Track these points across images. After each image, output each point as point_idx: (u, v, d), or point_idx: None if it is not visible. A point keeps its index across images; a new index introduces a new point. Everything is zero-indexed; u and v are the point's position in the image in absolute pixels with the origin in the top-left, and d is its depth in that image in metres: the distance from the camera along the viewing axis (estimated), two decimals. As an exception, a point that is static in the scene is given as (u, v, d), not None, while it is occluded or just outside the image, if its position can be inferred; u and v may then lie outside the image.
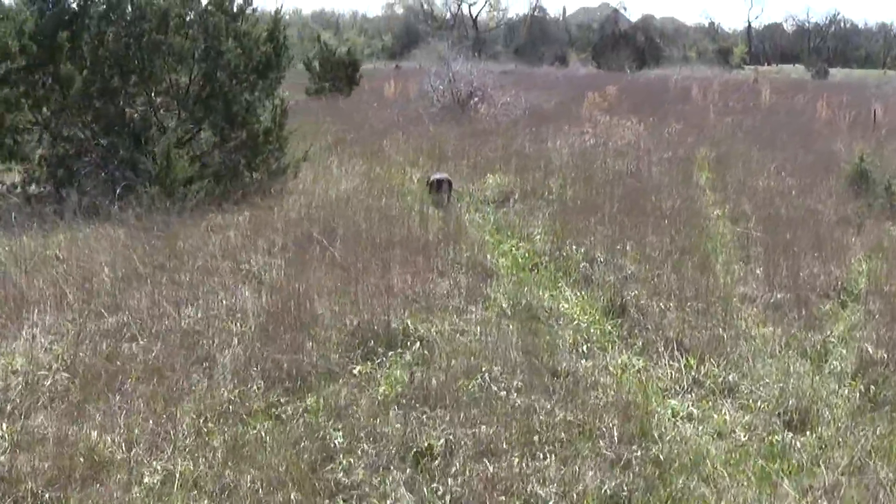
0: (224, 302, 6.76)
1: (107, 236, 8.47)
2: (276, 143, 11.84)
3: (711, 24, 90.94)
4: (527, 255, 8.64)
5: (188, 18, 10.33)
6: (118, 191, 9.51)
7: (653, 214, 10.12)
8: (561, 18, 78.28)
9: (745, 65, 65.02)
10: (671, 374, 5.78)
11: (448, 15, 77.10)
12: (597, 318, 6.82)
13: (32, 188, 10.53)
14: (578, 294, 7.38)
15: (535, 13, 74.54)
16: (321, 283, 7.17)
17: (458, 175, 12.58)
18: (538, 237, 9.21)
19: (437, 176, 11.30)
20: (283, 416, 5.03)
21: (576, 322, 6.66)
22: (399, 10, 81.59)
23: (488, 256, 8.39)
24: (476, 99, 20.30)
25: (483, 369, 5.55)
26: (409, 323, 6.32)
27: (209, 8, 10.43)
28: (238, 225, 9.20)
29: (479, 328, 6.37)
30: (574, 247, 8.56)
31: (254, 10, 11.49)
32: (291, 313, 6.40)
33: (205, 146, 11.15)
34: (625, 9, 75.51)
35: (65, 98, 10.04)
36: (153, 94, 10.75)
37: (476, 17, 76.33)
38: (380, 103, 23.53)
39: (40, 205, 10.03)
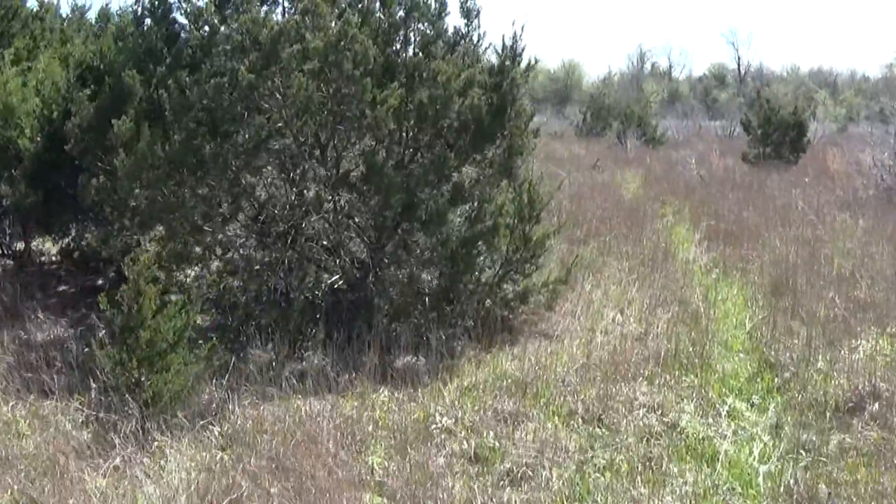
0: None
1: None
2: (523, 251, 6.67)
3: None
4: None
5: (317, 45, 5.48)
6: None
7: None
8: None
9: None
10: None
11: (958, 75, 63.87)
12: None
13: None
14: None
15: None
16: None
17: (814, 331, 6.37)
18: None
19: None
20: None
21: None
22: (898, 71, 69.39)
23: None
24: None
25: None
26: None
27: (354, 31, 5.49)
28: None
29: None
30: None
31: (472, 43, 6.42)
32: None
33: (350, 267, 6.28)
34: None
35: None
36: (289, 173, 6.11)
37: None
38: (816, 178, 16.80)
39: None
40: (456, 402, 4.94)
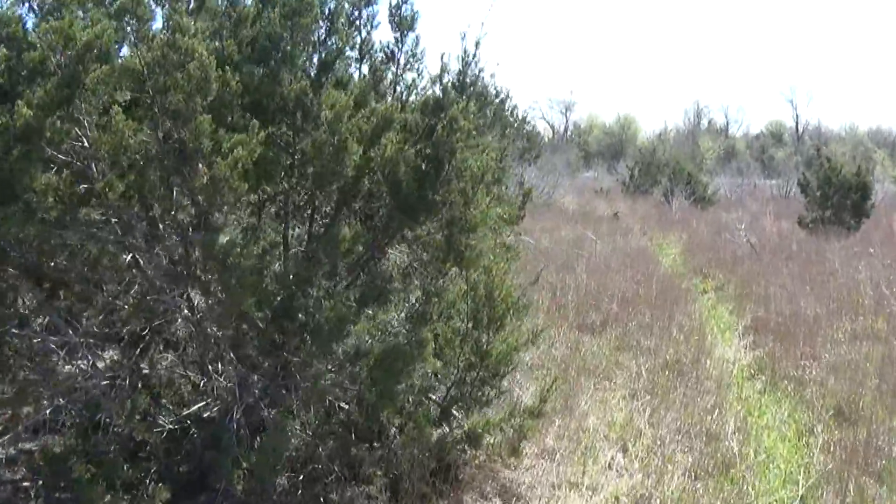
0: None
1: None
2: (479, 370, 4.55)
3: None
4: None
5: (129, 63, 3.47)
6: None
7: None
8: None
9: None
10: None
11: None
12: None
13: None
14: None
15: None
16: None
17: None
18: None
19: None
20: None
21: None
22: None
23: None
24: None
25: None
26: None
27: (188, 43, 3.46)
28: None
29: None
30: None
31: (403, 67, 4.37)
32: None
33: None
34: None
35: None
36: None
37: None
38: (882, 248, 14.27)
39: None
40: None
